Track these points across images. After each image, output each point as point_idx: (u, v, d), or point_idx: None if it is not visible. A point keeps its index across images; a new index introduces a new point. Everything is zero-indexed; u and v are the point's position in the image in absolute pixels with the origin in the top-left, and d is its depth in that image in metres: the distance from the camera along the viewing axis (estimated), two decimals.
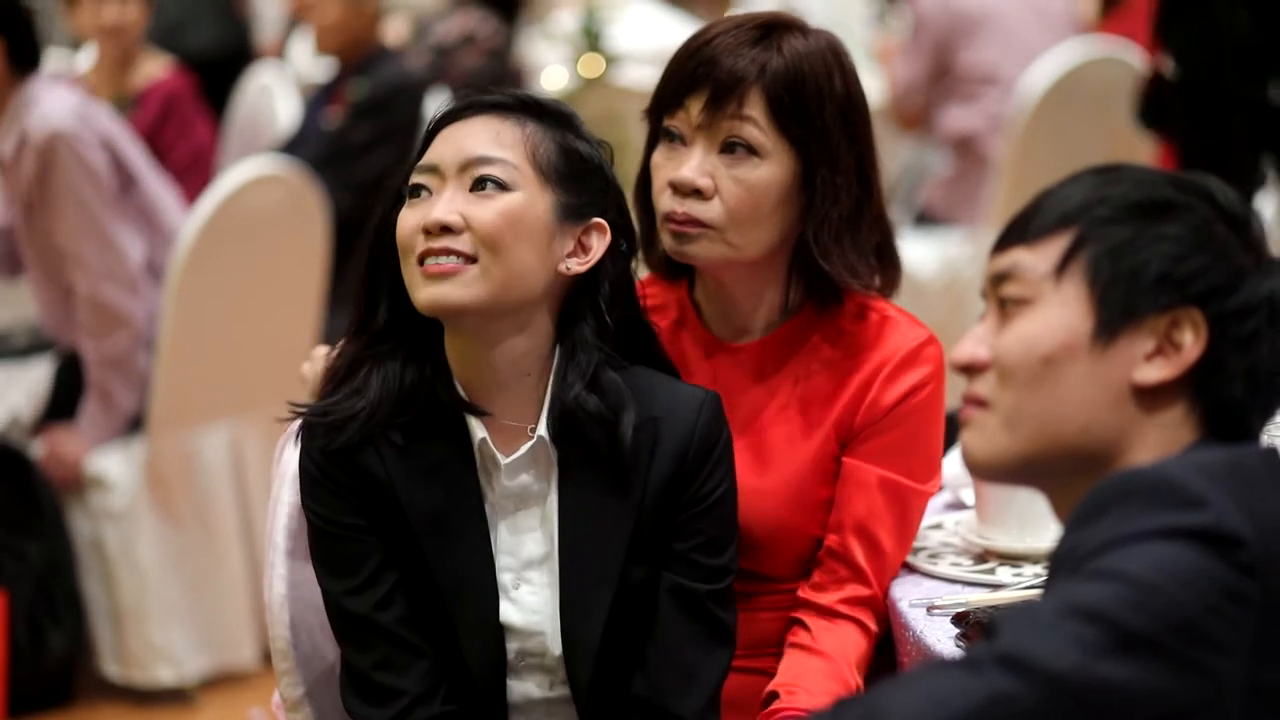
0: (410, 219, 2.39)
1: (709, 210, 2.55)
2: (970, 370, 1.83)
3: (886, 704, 1.61)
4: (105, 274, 4.59)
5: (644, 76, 6.44)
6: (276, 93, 6.36)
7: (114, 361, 4.65)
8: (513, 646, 2.45)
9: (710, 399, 2.49)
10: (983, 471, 1.84)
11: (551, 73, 6.14)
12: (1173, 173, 1.84)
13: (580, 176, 2.44)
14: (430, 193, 2.40)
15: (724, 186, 2.55)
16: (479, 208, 2.37)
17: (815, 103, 2.56)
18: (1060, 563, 1.70)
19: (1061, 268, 1.79)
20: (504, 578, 2.45)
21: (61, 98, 4.59)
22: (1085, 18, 6.87)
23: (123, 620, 4.75)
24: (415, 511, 2.42)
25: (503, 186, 2.38)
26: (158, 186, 4.80)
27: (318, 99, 5.90)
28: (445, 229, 2.36)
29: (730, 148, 2.55)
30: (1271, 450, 1.79)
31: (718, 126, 2.55)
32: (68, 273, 4.61)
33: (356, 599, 2.43)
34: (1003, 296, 1.82)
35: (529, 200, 2.39)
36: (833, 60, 2.59)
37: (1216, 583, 1.62)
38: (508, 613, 2.45)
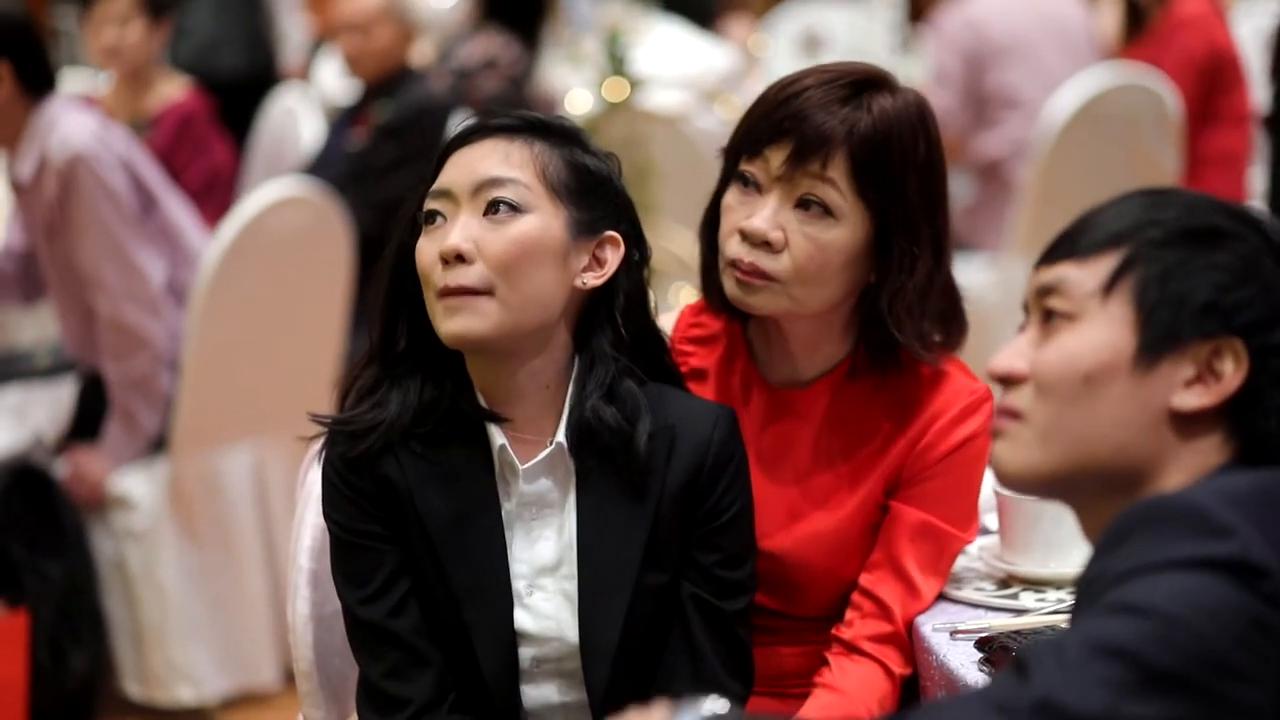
0: (428, 248, 2.41)
1: (776, 264, 2.53)
2: (1008, 381, 1.83)
3: None
4: (126, 295, 4.59)
5: (669, 100, 6.45)
6: (300, 115, 6.38)
7: (136, 383, 4.65)
8: (527, 653, 2.47)
9: (726, 414, 2.51)
10: (1013, 482, 1.83)
11: (575, 96, 6.15)
12: (1222, 200, 1.84)
13: (591, 190, 2.46)
14: (445, 218, 2.42)
15: (794, 241, 2.52)
16: (492, 235, 2.39)
17: (899, 170, 2.52)
18: (1087, 589, 1.69)
19: (1109, 287, 1.79)
20: (518, 584, 2.47)
21: (81, 120, 4.59)
22: (1107, 41, 6.88)
23: (144, 640, 4.75)
24: (432, 517, 2.44)
25: (516, 209, 2.40)
26: (177, 208, 4.81)
27: (342, 121, 5.91)
28: (459, 257, 2.37)
29: (806, 204, 2.52)
30: None
31: (797, 182, 2.52)
32: (89, 295, 4.62)
33: (370, 607, 2.45)
34: (1047, 309, 1.82)
35: (543, 222, 2.41)
36: (919, 124, 2.55)
37: (1243, 614, 1.62)
38: (521, 619, 2.46)
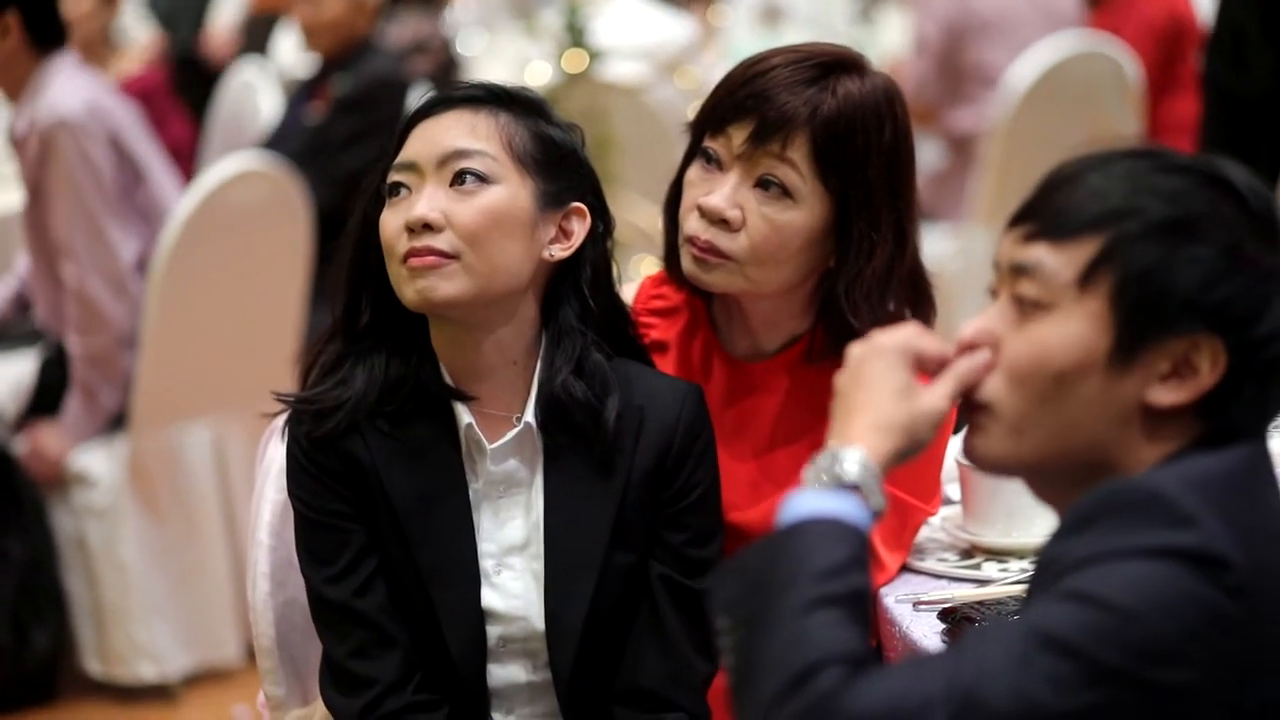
0: (393, 219, 2.39)
1: (732, 243, 2.52)
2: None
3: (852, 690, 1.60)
4: (93, 269, 4.57)
5: (628, 71, 6.43)
6: (259, 89, 6.34)
7: (96, 360, 4.63)
8: (494, 631, 2.46)
9: (694, 391, 2.50)
10: (985, 468, 1.82)
11: (535, 68, 6.12)
12: (1204, 163, 1.77)
13: (557, 162, 2.45)
14: (410, 190, 2.40)
15: (752, 221, 2.51)
16: (460, 205, 2.37)
17: (861, 155, 2.50)
18: (1046, 568, 1.68)
19: (1086, 279, 1.74)
20: (486, 563, 2.46)
21: (77, 86, 4.56)
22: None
23: (105, 617, 4.73)
24: (399, 497, 2.43)
25: (483, 179, 2.39)
26: (168, 186, 4.78)
27: (300, 95, 5.87)
28: (427, 226, 2.36)
29: (765, 184, 2.51)
30: (1262, 450, 1.77)
31: (757, 161, 2.51)
32: (59, 263, 4.59)
33: (336, 586, 2.44)
34: (1019, 294, 1.78)
35: (511, 193, 2.39)
36: (885, 109, 2.53)
37: (1201, 607, 1.61)
38: (489, 598, 2.45)
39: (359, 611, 2.43)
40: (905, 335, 1.81)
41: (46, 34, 4.56)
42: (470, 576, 2.44)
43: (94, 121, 4.54)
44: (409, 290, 2.37)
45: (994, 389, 1.78)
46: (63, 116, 4.49)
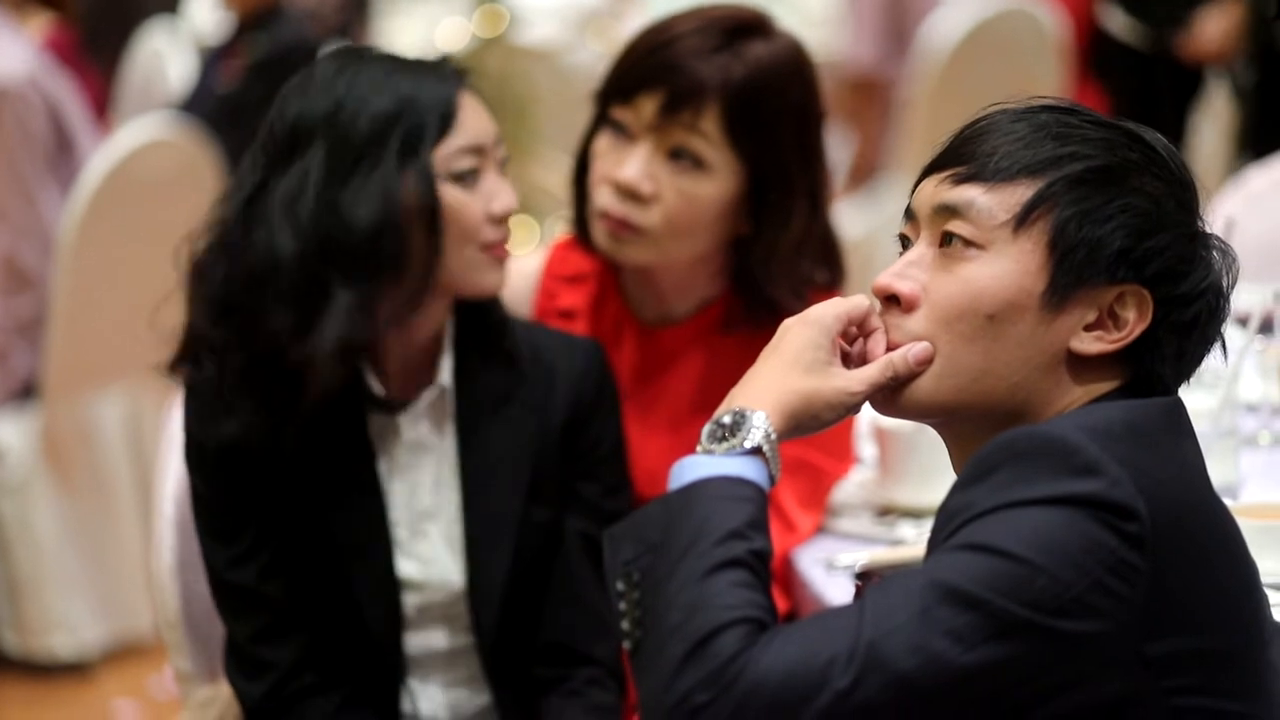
0: (473, 203, 2.34)
1: (646, 216, 2.49)
2: (893, 302, 1.77)
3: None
4: (24, 232, 4.54)
5: (543, 34, 6.37)
6: (168, 57, 6.28)
7: (20, 323, 4.59)
8: (412, 600, 2.42)
9: (598, 347, 2.50)
10: (904, 412, 1.78)
11: (447, 29, 6.06)
12: (1126, 124, 1.78)
13: None
14: (480, 174, 2.35)
15: (665, 194, 2.49)
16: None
17: (773, 120, 2.49)
18: (948, 520, 1.66)
19: (1022, 221, 1.73)
20: (399, 532, 2.42)
21: (15, 54, 4.51)
22: None
23: (20, 592, 4.68)
24: (303, 473, 2.38)
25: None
26: (93, 150, 4.73)
27: (212, 59, 5.81)
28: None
29: (677, 155, 2.49)
30: (1175, 403, 1.75)
31: (668, 132, 2.48)
32: None
33: (238, 569, 2.39)
34: (949, 231, 1.75)
35: None
36: (794, 72, 2.52)
37: (1103, 556, 1.59)
38: (405, 566, 2.42)
39: (262, 594, 2.38)
40: (838, 306, 1.77)
41: None
42: (383, 545, 2.41)
43: (34, 91, 4.53)
44: (490, 278, 2.37)
45: (914, 327, 1.75)
46: (4, 86, 4.45)
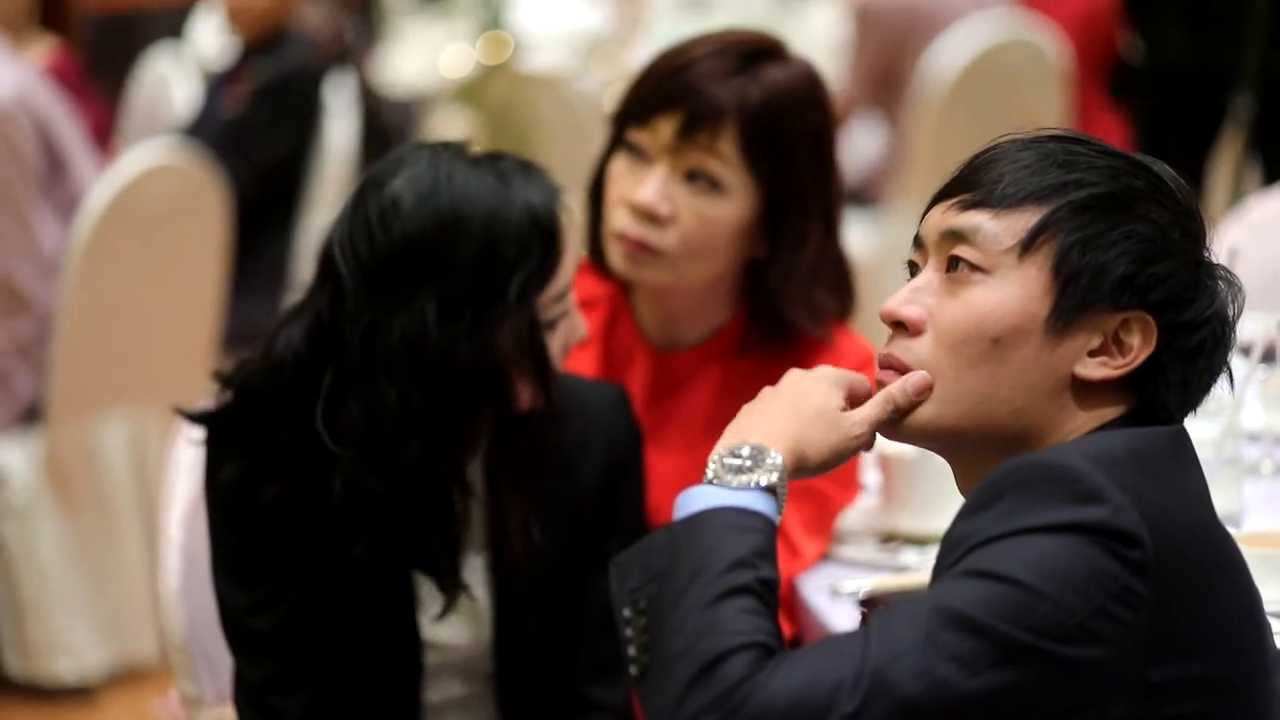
0: (557, 345, 2.32)
1: (663, 238, 2.50)
2: (900, 328, 1.78)
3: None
4: (19, 253, 4.53)
5: (548, 60, 6.39)
6: (173, 81, 6.29)
7: (19, 345, 4.59)
8: (433, 658, 2.39)
9: (624, 395, 2.47)
10: (909, 436, 1.80)
11: (451, 56, 6.08)
12: (1133, 154, 1.80)
13: None
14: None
15: (683, 216, 2.50)
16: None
17: (790, 143, 2.50)
18: (953, 546, 1.67)
19: (1027, 246, 1.74)
20: (425, 593, 2.38)
21: (6, 73, 4.51)
22: None
23: (24, 615, 4.68)
24: (335, 531, 2.31)
25: None
26: (89, 174, 4.73)
27: (217, 82, 5.83)
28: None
29: (694, 177, 2.50)
30: (1179, 432, 1.76)
31: (685, 154, 2.49)
32: None
33: (254, 617, 2.35)
34: (955, 256, 1.77)
35: None
36: (810, 95, 2.53)
37: (1107, 583, 1.60)
38: (429, 629, 2.38)
39: (277, 643, 2.34)
40: (841, 375, 1.81)
41: None
42: (408, 609, 2.36)
43: (22, 112, 4.51)
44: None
45: (920, 352, 1.77)
46: None
